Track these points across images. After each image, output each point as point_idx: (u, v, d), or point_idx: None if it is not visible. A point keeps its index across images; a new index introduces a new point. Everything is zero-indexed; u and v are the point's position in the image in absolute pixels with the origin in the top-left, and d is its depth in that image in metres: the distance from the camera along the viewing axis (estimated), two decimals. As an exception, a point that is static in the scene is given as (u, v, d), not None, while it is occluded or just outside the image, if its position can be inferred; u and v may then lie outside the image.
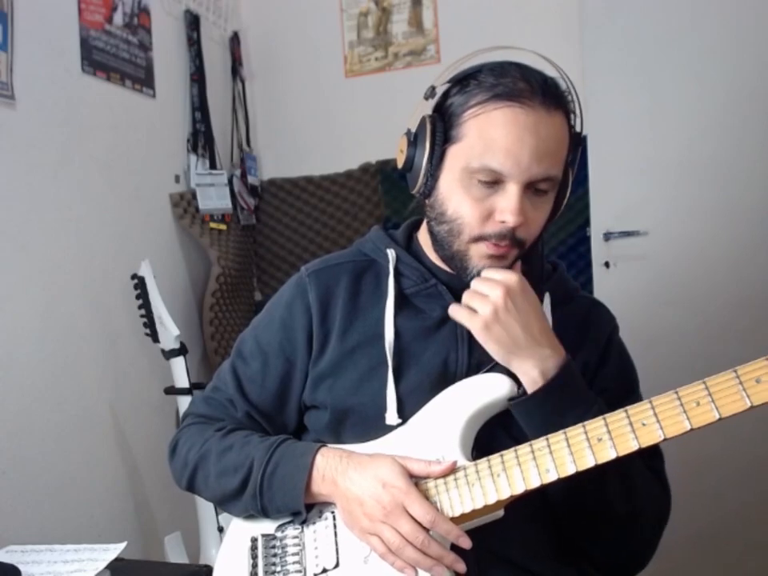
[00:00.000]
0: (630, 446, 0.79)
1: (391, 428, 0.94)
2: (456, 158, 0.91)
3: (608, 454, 0.80)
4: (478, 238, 0.91)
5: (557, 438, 0.83)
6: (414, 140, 0.95)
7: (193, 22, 2.36)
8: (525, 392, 0.90)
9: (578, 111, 0.95)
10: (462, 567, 0.84)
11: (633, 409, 0.80)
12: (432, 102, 0.96)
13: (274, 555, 0.94)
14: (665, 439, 0.78)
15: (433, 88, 0.96)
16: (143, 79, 2.15)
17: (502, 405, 0.92)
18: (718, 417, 0.76)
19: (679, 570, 1.94)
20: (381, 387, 0.95)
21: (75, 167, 1.87)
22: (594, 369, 1.00)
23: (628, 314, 1.19)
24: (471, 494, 0.85)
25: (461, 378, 0.95)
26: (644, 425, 0.79)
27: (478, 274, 0.93)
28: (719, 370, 0.77)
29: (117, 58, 2.03)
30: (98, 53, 1.96)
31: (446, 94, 0.95)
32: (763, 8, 2.06)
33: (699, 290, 2.13)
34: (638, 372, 1.06)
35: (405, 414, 0.94)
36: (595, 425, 0.82)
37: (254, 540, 0.97)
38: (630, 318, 1.18)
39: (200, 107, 2.37)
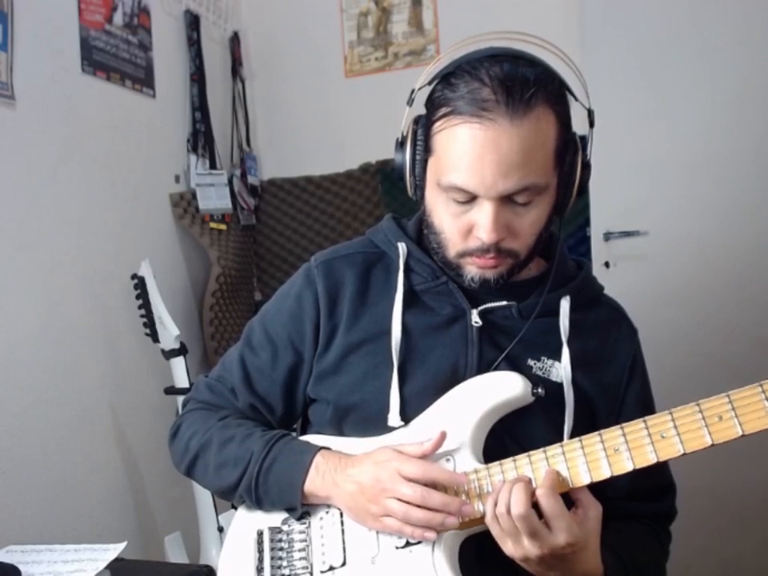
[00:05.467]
0: (648, 458, 0.77)
1: (393, 429, 0.93)
2: (432, 171, 0.91)
3: (624, 466, 0.78)
4: (463, 254, 0.91)
5: (572, 445, 0.81)
6: (401, 147, 0.94)
7: (193, 22, 2.36)
8: (539, 392, 0.88)
9: (581, 87, 0.92)
10: (469, 510, 0.83)
11: (652, 420, 0.78)
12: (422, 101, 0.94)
13: (281, 549, 0.94)
14: (684, 454, 0.75)
15: (412, 91, 0.95)
16: (143, 79, 2.15)
17: (514, 404, 0.89)
18: (741, 433, 0.72)
19: (679, 569, 1.94)
20: (384, 386, 0.94)
21: (75, 167, 1.87)
22: (618, 388, 0.99)
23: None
24: (482, 499, 0.83)
25: None
26: (663, 437, 0.76)
27: (473, 281, 0.92)
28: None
29: (117, 57, 2.03)
30: (97, 53, 1.96)
31: (431, 93, 0.92)
32: (764, 7, 2.06)
33: (699, 290, 2.13)
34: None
35: (407, 416, 0.93)
36: (612, 434, 0.79)
37: (260, 533, 0.96)
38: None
39: (200, 107, 2.37)
